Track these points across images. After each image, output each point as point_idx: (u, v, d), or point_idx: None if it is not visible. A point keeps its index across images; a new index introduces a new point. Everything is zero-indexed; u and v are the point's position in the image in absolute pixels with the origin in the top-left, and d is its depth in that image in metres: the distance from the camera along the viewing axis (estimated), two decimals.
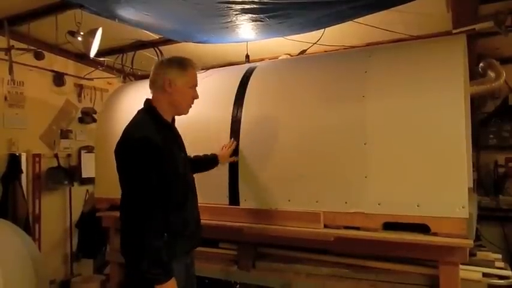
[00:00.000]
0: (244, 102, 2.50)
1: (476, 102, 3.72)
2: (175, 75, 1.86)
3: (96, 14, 2.68)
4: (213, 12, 2.36)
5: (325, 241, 2.11)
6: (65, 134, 4.38)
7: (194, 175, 2.09)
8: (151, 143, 1.71)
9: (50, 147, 4.22)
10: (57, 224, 4.27)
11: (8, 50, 3.45)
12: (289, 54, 3.83)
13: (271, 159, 2.34)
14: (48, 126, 4.23)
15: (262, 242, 2.43)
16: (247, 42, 3.22)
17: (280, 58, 3.67)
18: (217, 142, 2.49)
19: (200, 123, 2.55)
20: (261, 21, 2.47)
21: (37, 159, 4.01)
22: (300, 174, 2.24)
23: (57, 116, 4.33)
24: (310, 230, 2.15)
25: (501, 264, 2.23)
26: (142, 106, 1.92)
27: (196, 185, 2.03)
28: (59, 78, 4.30)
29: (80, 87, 4.57)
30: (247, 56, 3.62)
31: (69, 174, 4.30)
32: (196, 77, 1.94)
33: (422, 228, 1.94)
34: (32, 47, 3.81)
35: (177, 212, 1.83)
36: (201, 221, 2.04)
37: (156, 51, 3.89)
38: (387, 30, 3.18)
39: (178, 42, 3.54)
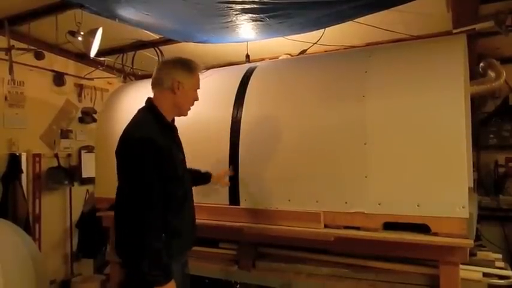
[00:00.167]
0: (244, 102, 2.50)
1: (476, 102, 3.72)
2: (184, 77, 1.86)
3: (96, 13, 2.69)
4: (213, 12, 2.36)
5: (325, 241, 2.11)
6: (65, 134, 4.38)
7: None
8: (154, 144, 1.71)
9: (50, 147, 4.22)
10: (58, 224, 4.27)
11: (8, 49, 3.45)
12: (289, 54, 3.83)
13: (271, 159, 2.34)
14: (49, 126, 4.24)
15: (262, 241, 2.43)
16: (247, 42, 3.22)
17: (280, 58, 3.67)
18: (217, 142, 2.49)
19: (200, 123, 2.55)
20: (261, 21, 2.47)
21: (37, 159, 4.01)
22: (300, 174, 2.24)
23: (57, 116, 4.33)
24: (310, 230, 2.15)
25: (501, 264, 2.23)
26: (143, 105, 1.92)
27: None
28: (59, 78, 4.30)
29: (80, 87, 4.58)
30: (247, 56, 3.62)
31: (69, 174, 4.30)
32: (199, 80, 1.96)
33: (422, 228, 1.93)
34: (32, 47, 3.80)
35: (176, 213, 1.83)
36: (202, 220, 2.05)
37: (156, 51, 3.90)
38: (387, 30, 3.18)
39: (179, 42, 3.54)
